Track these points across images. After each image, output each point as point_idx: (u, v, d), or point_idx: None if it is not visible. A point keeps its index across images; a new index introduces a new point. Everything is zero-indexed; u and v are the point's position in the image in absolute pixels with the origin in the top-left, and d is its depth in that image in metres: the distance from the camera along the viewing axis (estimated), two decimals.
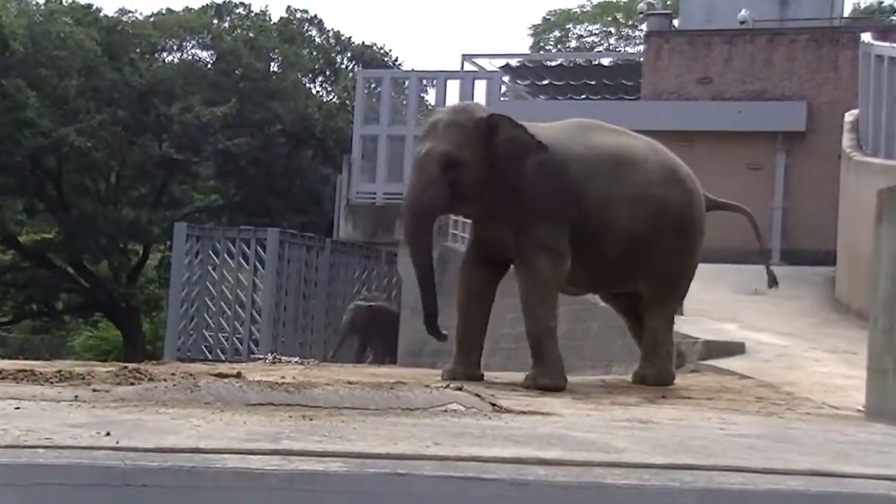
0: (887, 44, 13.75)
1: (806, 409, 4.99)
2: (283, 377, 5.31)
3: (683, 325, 8.70)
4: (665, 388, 5.89)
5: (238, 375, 4.60)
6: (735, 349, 7.86)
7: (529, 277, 5.77)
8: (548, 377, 5.63)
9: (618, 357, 9.79)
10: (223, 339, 24.67)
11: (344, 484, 2.35)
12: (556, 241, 5.75)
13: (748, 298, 10.93)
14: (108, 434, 2.72)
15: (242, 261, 24.95)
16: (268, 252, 24.61)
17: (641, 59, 22.99)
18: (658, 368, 6.11)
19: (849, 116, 15.17)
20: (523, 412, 3.98)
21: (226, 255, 24.90)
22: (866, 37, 15.01)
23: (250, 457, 2.48)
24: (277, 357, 11.18)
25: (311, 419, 3.34)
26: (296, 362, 9.39)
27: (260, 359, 11.19)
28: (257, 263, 24.85)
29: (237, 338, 24.63)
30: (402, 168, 23.94)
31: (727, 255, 12.32)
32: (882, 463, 2.86)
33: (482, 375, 5.98)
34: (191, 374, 4.57)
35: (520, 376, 7.08)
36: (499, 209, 5.76)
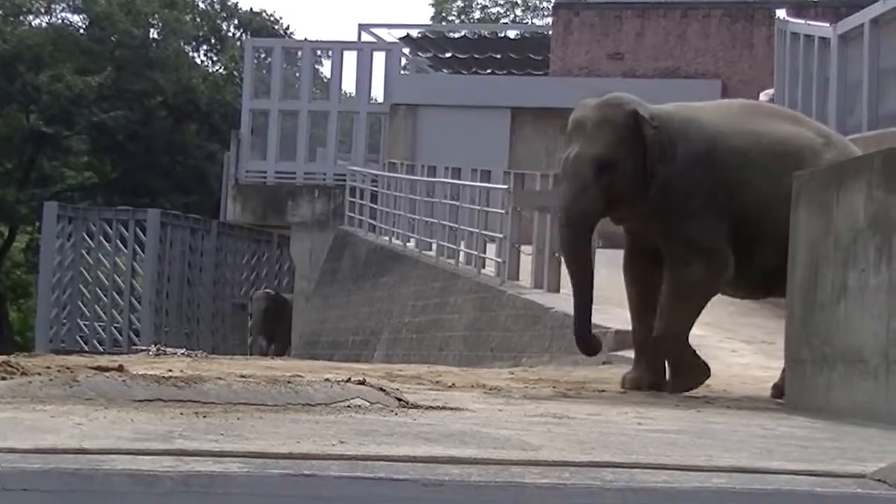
0: (802, 21, 14.14)
1: (725, 402, 5.11)
2: (170, 370, 5.23)
3: (593, 314, 8.81)
4: (580, 382, 5.94)
5: (120, 369, 4.50)
6: None
7: (676, 279, 5.54)
8: (684, 382, 5.54)
9: (527, 348, 9.88)
10: (100, 329, 24.18)
11: (245, 486, 2.32)
12: (712, 240, 5.53)
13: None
14: None
15: (120, 244, 24.48)
16: (148, 235, 24.17)
17: (549, 33, 23.19)
18: None
19: (764, 96, 15.53)
20: (431, 408, 3.99)
21: (101, 238, 24.38)
22: (781, 13, 15.38)
23: (141, 457, 2.43)
24: (161, 349, 11.05)
25: (204, 416, 3.30)
26: (182, 354, 9.27)
27: (143, 350, 11.03)
28: (136, 247, 24.40)
29: (115, 327, 24.17)
30: (294, 145, 23.73)
31: None
32: (804, 458, 2.95)
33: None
34: (68, 368, 4.45)
35: (425, 368, 7.10)
36: (651, 208, 5.52)
